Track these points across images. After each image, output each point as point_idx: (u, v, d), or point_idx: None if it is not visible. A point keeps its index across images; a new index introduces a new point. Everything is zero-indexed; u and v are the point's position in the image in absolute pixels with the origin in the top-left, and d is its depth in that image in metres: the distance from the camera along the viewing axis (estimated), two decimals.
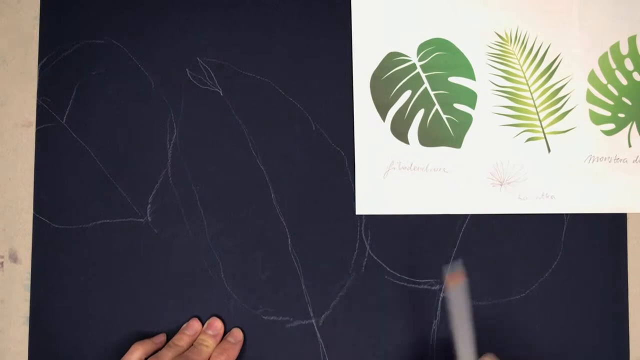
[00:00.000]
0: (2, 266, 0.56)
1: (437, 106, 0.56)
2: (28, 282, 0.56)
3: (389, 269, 0.55)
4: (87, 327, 0.55)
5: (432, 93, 0.56)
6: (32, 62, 0.57)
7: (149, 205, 0.56)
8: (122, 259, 0.56)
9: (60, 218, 0.56)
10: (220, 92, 0.57)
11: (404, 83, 0.56)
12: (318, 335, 0.55)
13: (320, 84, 0.56)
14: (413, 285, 0.55)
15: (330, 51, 0.57)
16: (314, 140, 0.56)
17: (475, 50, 0.56)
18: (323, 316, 0.55)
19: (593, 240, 0.56)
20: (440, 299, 0.55)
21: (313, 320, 0.55)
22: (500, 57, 0.56)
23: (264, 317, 0.55)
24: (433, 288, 0.55)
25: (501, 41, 0.56)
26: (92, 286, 0.55)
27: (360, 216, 0.56)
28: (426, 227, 0.55)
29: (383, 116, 0.56)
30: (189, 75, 0.57)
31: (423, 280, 0.55)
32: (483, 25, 0.56)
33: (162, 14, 0.57)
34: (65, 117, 0.57)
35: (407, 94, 0.56)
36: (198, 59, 0.57)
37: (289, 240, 0.56)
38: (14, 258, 0.56)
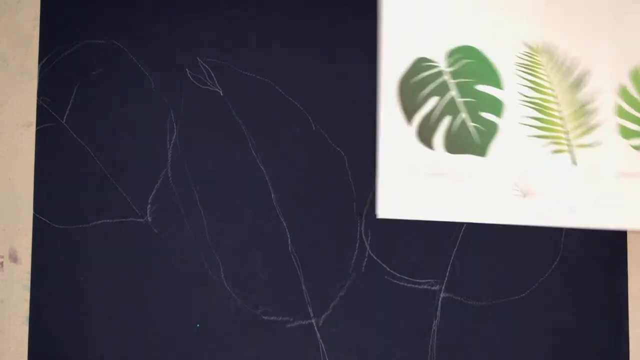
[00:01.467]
0: (2, 266, 0.56)
1: (463, 113, 0.55)
2: (28, 282, 0.56)
3: (389, 269, 0.55)
4: (87, 327, 0.55)
5: (459, 100, 0.55)
6: (32, 62, 0.57)
7: (149, 205, 0.56)
8: (122, 259, 0.56)
9: (60, 218, 0.56)
10: (220, 92, 0.57)
11: (431, 89, 0.55)
12: (318, 335, 0.55)
13: (320, 84, 0.56)
14: (413, 285, 0.55)
15: (331, 51, 0.57)
16: (314, 140, 0.56)
17: (504, 59, 0.55)
18: (323, 316, 0.55)
19: (593, 240, 0.56)
20: (440, 299, 0.55)
21: (313, 320, 0.55)
22: (528, 67, 0.55)
23: (264, 317, 0.55)
24: (433, 288, 0.55)
25: (530, 52, 0.55)
26: (92, 286, 0.55)
27: (360, 216, 0.56)
28: (426, 227, 0.55)
29: (409, 120, 0.55)
30: (189, 75, 0.57)
31: (423, 280, 0.55)
32: (513, 35, 0.55)
33: (162, 14, 0.57)
34: (65, 117, 0.57)
35: (434, 99, 0.55)
36: (198, 59, 0.57)
37: (289, 240, 0.56)
38: (14, 258, 0.56)
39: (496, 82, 0.55)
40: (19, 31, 0.58)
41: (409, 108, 0.55)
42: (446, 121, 0.55)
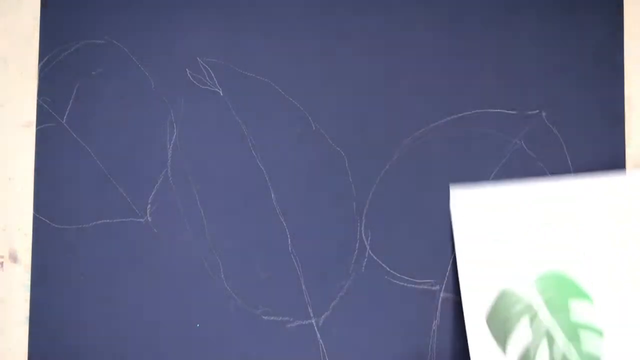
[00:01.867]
0: (2, 266, 0.56)
1: (559, 339, 0.52)
2: (28, 282, 0.56)
3: (389, 269, 0.55)
4: (87, 327, 0.55)
5: (553, 325, 0.52)
6: (32, 62, 0.57)
7: (149, 205, 0.56)
8: (122, 259, 0.56)
9: (60, 218, 0.56)
10: (220, 92, 0.57)
11: (523, 320, 0.52)
12: (318, 335, 0.55)
13: (320, 84, 0.56)
14: (413, 285, 0.55)
15: (331, 51, 0.57)
16: (314, 140, 0.56)
17: (596, 280, 0.52)
18: (323, 316, 0.55)
19: None
20: (440, 299, 0.55)
21: (313, 321, 0.55)
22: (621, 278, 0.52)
23: (264, 317, 0.55)
24: (433, 288, 0.55)
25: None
26: (92, 286, 0.55)
27: (361, 216, 0.56)
28: (426, 227, 0.55)
29: (504, 350, 0.52)
30: (189, 75, 0.57)
31: (423, 280, 0.55)
32: (601, 256, 0.52)
33: (162, 14, 0.57)
34: (65, 117, 0.57)
35: (528, 329, 0.52)
36: (198, 59, 0.57)
37: (289, 240, 0.56)
38: (14, 258, 0.56)
39: (588, 301, 0.52)
40: (19, 31, 0.58)
41: (501, 339, 0.53)
42: (544, 349, 0.52)
